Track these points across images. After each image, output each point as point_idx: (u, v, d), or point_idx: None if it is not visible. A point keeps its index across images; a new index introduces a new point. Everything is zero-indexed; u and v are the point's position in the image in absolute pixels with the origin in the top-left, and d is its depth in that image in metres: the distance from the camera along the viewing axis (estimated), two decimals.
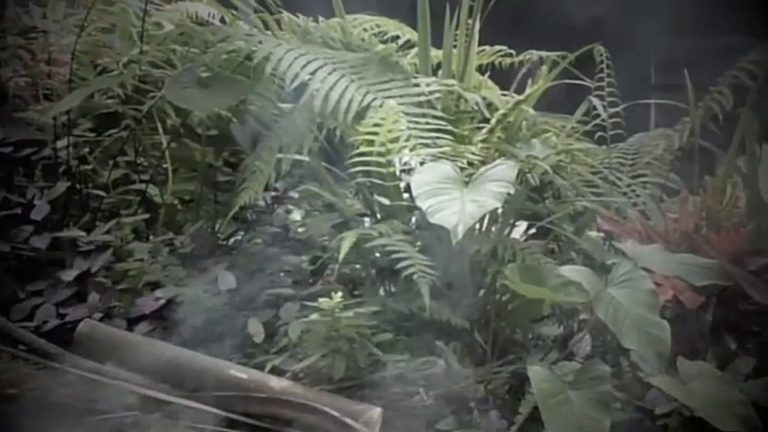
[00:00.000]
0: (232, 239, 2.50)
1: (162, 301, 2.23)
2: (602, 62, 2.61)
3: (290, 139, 2.29)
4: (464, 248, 2.09)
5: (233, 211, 2.32)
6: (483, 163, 2.14)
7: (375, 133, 2.13)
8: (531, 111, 2.41)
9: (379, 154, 2.15)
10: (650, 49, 3.82)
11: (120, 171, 2.63)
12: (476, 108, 2.32)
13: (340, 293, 2.00)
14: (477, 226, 2.22)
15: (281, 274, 2.33)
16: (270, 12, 2.51)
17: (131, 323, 2.22)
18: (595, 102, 2.55)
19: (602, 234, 2.41)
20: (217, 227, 2.51)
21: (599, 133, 2.58)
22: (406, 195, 2.27)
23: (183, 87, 2.38)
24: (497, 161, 2.12)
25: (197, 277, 2.28)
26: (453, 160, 2.10)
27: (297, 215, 2.56)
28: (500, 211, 2.21)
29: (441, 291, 2.12)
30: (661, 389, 1.92)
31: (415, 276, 2.01)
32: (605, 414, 1.84)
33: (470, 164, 2.13)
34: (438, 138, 2.16)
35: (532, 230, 2.41)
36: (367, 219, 2.37)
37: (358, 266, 2.31)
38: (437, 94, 2.27)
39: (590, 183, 2.43)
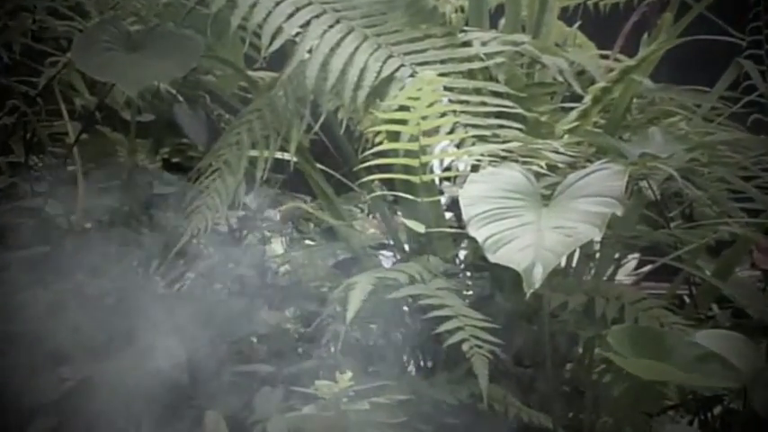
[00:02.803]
0: (177, 286, 2.51)
1: (69, 383, 2.24)
2: (758, 3, 2.60)
3: (267, 128, 2.31)
4: (542, 302, 2.09)
5: (180, 243, 2.33)
6: (572, 166, 2.15)
7: (402, 121, 2.14)
8: (648, 82, 2.43)
9: (409, 153, 2.17)
10: None
11: (4, 178, 2.65)
12: (559, 79, 2.34)
13: (348, 373, 2.00)
14: (563, 265, 2.23)
15: (255, 341, 2.35)
16: None
17: (25, 415, 2.22)
18: (748, 67, 2.55)
19: (759, 274, 2.41)
20: (154, 266, 2.53)
21: (754, 116, 2.58)
22: (449, 216, 2.28)
23: (101, 50, 2.40)
24: (595, 164, 2.12)
25: (123, 345, 2.29)
26: (525, 162, 2.11)
27: (278, 247, 2.57)
28: (599, 241, 2.21)
29: (506, 368, 2.13)
30: None
31: (465, 346, 2.02)
32: None
33: (552, 167, 2.14)
34: (500, 126, 2.17)
35: (648, 268, 2.41)
36: (388, 253, 2.38)
37: (374, 328, 2.32)
38: (498, 58, 2.28)
39: (741, 194, 2.43)
